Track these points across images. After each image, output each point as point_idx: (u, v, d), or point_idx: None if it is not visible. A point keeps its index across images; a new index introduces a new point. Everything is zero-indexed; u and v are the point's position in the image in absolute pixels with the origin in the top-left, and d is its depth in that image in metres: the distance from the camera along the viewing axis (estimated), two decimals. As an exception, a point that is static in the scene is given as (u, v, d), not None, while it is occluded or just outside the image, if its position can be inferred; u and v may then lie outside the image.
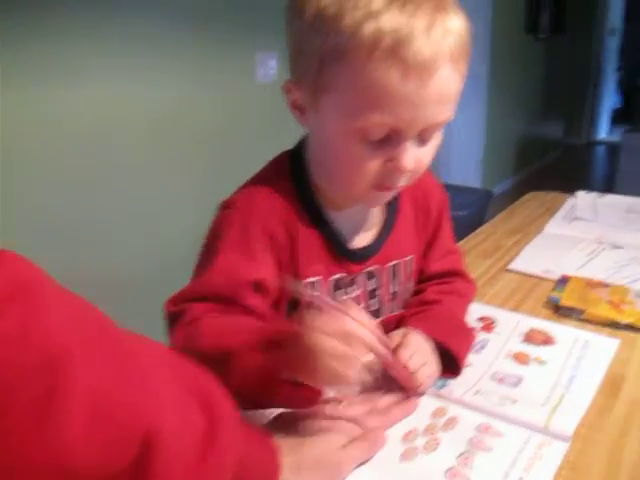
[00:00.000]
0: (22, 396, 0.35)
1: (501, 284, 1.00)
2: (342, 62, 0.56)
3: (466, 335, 0.77)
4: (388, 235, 0.75)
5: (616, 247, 1.14)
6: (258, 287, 0.64)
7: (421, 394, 0.68)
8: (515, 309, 0.91)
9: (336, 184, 0.68)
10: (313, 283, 0.69)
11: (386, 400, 0.66)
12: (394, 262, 0.76)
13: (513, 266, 1.07)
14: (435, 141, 0.63)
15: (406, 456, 0.60)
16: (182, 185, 1.88)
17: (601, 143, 6.16)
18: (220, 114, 1.98)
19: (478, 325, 0.85)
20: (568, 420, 0.64)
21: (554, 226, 1.29)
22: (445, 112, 0.60)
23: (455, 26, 0.57)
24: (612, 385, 0.72)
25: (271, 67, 2.10)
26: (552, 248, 1.16)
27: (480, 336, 0.82)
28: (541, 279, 1.01)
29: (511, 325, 0.85)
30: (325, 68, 0.57)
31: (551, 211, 1.41)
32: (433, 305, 0.76)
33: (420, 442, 0.62)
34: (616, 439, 0.63)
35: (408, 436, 0.63)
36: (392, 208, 0.76)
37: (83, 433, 0.37)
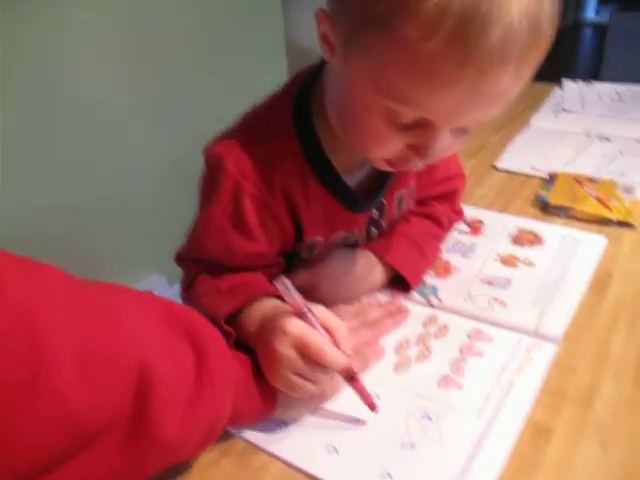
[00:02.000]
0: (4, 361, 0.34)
1: (489, 184, 0.98)
2: (390, 31, 0.43)
3: (421, 253, 0.74)
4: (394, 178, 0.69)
5: (604, 139, 1.12)
6: (253, 255, 0.61)
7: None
8: (503, 210, 0.90)
9: (349, 139, 0.58)
10: (315, 242, 0.66)
11: (376, 313, 0.66)
12: (399, 193, 0.72)
13: (499, 164, 1.04)
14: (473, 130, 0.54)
15: (399, 367, 0.60)
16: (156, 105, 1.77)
17: (588, 25, 5.94)
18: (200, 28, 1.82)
19: (466, 230, 0.84)
20: (557, 322, 0.65)
21: (540, 119, 1.26)
22: (494, 112, 0.49)
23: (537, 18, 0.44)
24: (600, 283, 0.72)
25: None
26: (539, 143, 1.13)
27: (469, 240, 0.81)
28: (528, 177, 1.00)
29: (499, 227, 0.84)
30: (369, 27, 0.45)
31: (536, 103, 1.36)
32: (399, 224, 0.75)
33: (412, 352, 0.62)
34: (603, 337, 0.64)
35: (400, 347, 0.63)
36: None
37: (75, 381, 0.37)
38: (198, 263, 0.63)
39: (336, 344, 0.51)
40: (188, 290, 0.63)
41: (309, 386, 0.51)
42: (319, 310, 0.53)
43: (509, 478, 0.49)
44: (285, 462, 0.52)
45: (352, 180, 0.64)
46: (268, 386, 0.52)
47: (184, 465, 0.51)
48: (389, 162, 0.56)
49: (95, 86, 1.48)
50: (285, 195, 0.60)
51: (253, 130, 0.60)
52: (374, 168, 0.64)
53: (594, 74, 3.45)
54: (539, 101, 1.37)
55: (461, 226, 0.84)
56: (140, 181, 1.63)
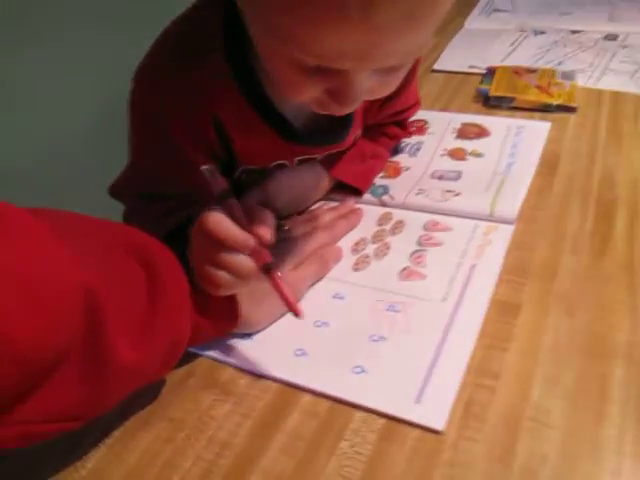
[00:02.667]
0: None
1: (427, 86, 0.96)
2: None
3: (364, 161, 0.70)
4: (351, 123, 0.63)
5: (538, 33, 1.10)
6: (189, 180, 0.55)
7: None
8: (445, 108, 0.88)
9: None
10: (249, 170, 0.61)
11: (329, 216, 0.64)
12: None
13: (437, 66, 1.02)
14: (409, 64, 0.46)
15: (359, 265, 0.59)
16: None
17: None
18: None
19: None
20: (511, 204, 0.64)
21: (473, 22, 1.23)
22: (413, 45, 0.40)
23: None
24: (548, 165, 0.72)
25: None
26: (474, 44, 1.10)
27: (414, 139, 0.79)
28: (467, 75, 0.97)
29: (444, 124, 0.82)
30: None
31: (468, 8, 1.33)
32: None
33: (370, 250, 0.60)
34: (558, 214, 0.64)
35: (357, 246, 0.61)
36: None
37: (15, 306, 0.33)
38: (137, 198, 0.59)
39: (254, 229, 0.45)
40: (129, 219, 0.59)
41: (216, 273, 0.45)
42: (247, 202, 0.48)
43: (483, 354, 0.49)
44: (254, 373, 0.50)
45: (294, 113, 0.58)
46: (227, 299, 0.49)
47: (150, 390, 0.48)
48: (313, 106, 0.48)
49: None
50: (215, 121, 0.55)
51: (178, 50, 0.53)
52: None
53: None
54: (471, 6, 1.34)
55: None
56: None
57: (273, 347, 0.51)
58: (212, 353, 0.52)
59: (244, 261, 0.45)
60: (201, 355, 0.52)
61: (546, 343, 0.49)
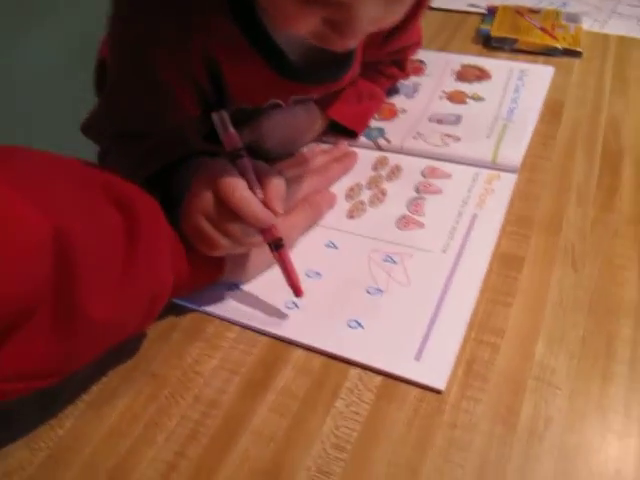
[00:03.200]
0: None
1: (424, 24, 0.89)
2: None
3: (360, 101, 0.65)
4: (351, 61, 0.58)
5: (540, -29, 1.04)
6: (175, 118, 0.51)
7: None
8: (443, 48, 0.83)
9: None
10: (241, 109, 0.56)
11: (322, 159, 0.59)
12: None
13: (434, 4, 0.96)
14: None
15: (353, 213, 0.55)
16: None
17: None
18: None
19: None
20: (514, 151, 0.60)
21: (471, -43, 1.16)
22: None
23: None
24: (552, 112, 0.68)
25: None
26: (473, -20, 1.04)
27: (411, 81, 0.74)
28: (467, 14, 0.92)
29: (442, 65, 0.77)
30: None
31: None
32: None
33: (365, 196, 0.57)
34: (563, 163, 0.60)
35: (352, 192, 0.57)
36: None
37: None
38: (113, 136, 0.53)
39: (266, 200, 0.43)
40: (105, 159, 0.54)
41: (217, 236, 0.43)
42: (258, 164, 0.45)
43: (485, 309, 0.46)
44: (242, 326, 0.46)
45: (290, 47, 0.52)
46: None
47: (130, 344, 0.45)
48: (312, 39, 0.43)
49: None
50: (205, 55, 0.49)
51: None
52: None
53: None
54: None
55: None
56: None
57: (263, 299, 0.48)
58: (196, 305, 0.48)
59: (251, 233, 0.44)
60: (185, 307, 0.48)
61: (551, 299, 0.47)
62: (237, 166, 0.43)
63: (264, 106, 0.57)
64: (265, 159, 0.48)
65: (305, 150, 0.63)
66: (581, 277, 0.48)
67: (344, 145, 0.62)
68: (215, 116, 0.42)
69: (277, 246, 0.45)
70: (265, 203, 0.43)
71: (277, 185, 0.44)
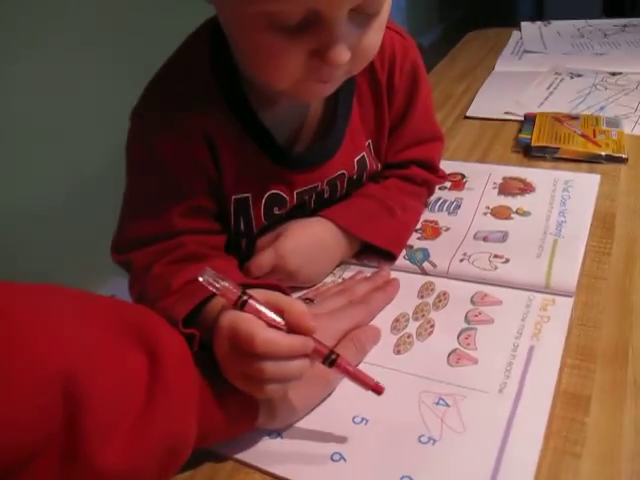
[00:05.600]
0: None
1: (462, 134, 0.90)
2: None
3: (392, 215, 0.64)
4: (340, 134, 0.60)
5: (575, 75, 1.05)
6: (193, 211, 0.55)
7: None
8: (483, 159, 0.82)
9: (252, 71, 0.51)
10: (243, 199, 0.57)
11: (364, 288, 0.57)
12: (358, 156, 0.62)
13: (470, 113, 0.96)
14: (384, 14, 0.47)
15: (400, 347, 0.52)
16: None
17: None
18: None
19: (447, 185, 0.75)
20: (568, 272, 0.57)
21: (504, 64, 1.18)
22: None
23: None
24: (604, 224, 0.65)
25: None
26: (507, 87, 1.05)
27: (452, 196, 0.73)
28: (503, 122, 0.92)
29: (483, 178, 0.76)
30: None
31: (496, 49, 1.29)
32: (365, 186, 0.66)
33: (412, 328, 0.54)
34: (620, 282, 0.57)
35: (397, 323, 0.54)
36: (346, 92, 0.59)
37: None
38: (138, 250, 0.54)
39: (291, 326, 0.40)
40: (139, 294, 0.53)
41: (262, 388, 0.40)
42: (263, 293, 0.43)
43: (551, 461, 0.41)
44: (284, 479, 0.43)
45: (283, 131, 0.57)
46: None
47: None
48: (310, 79, 0.47)
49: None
50: (205, 137, 0.53)
51: (165, 80, 0.54)
52: (311, 123, 0.58)
53: (538, 15, 3.43)
54: (499, 47, 1.29)
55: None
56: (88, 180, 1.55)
57: (306, 448, 0.44)
58: (234, 453, 0.45)
59: (295, 365, 0.41)
60: (220, 455, 0.45)
61: (626, 446, 0.42)
62: (248, 311, 0.41)
63: (264, 198, 0.58)
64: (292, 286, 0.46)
65: (345, 276, 0.61)
66: (658, 419, 0.44)
67: (386, 271, 0.60)
68: (202, 278, 0.40)
69: (331, 362, 0.42)
70: (293, 328, 0.40)
71: (296, 304, 0.42)
